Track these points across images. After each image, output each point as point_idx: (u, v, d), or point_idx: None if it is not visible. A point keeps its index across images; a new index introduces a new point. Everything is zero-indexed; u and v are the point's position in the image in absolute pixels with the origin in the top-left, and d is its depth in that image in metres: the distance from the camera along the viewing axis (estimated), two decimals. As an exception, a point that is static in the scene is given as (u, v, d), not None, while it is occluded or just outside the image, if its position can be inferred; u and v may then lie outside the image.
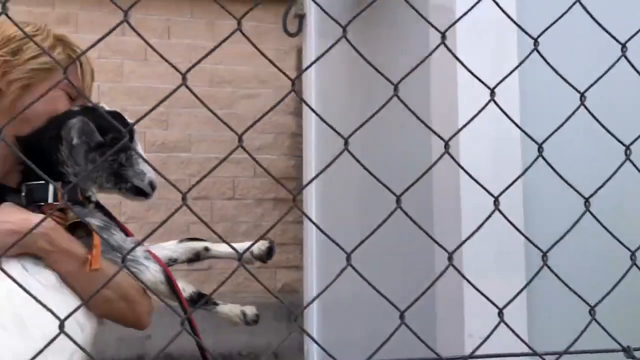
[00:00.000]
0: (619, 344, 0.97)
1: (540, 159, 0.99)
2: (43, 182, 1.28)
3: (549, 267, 0.97)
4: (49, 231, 1.25)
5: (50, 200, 1.30)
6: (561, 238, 1.00)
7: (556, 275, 0.97)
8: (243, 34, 0.77)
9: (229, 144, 4.15)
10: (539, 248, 0.98)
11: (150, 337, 3.98)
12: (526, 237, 1.05)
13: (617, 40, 1.06)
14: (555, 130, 1.01)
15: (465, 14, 1.01)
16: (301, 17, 2.68)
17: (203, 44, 4.20)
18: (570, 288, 0.98)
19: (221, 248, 1.48)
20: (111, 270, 1.26)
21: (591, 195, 1.03)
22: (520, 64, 1.04)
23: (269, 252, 1.45)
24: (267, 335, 3.62)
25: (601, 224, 1.04)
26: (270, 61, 0.78)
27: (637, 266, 1.04)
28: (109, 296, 1.31)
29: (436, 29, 0.93)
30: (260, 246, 1.45)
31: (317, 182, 2.47)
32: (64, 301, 1.23)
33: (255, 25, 4.28)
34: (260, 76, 4.62)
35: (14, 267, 1.19)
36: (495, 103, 0.96)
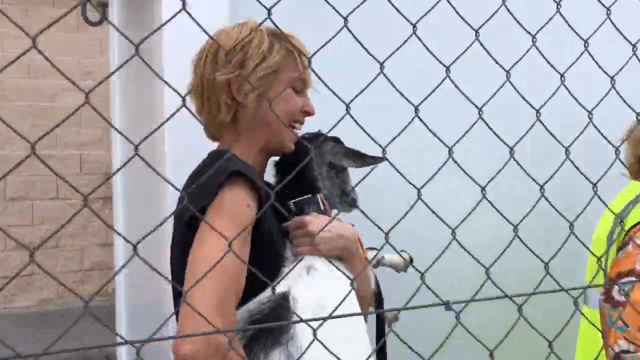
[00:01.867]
0: (440, 299, 1.00)
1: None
2: (310, 196, 1.41)
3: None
4: (358, 238, 1.39)
5: (322, 209, 1.42)
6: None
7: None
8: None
9: (48, 139, 4.32)
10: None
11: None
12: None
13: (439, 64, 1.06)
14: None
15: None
16: (104, 6, 2.38)
17: (16, 33, 4.28)
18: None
19: (393, 258, 1.71)
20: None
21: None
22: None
23: (411, 262, 1.70)
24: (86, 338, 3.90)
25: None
26: (64, 75, 0.74)
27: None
28: (371, 294, 1.49)
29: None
30: (408, 254, 1.72)
31: (125, 180, 2.40)
32: (356, 302, 1.31)
33: (76, 14, 3.90)
34: (84, 67, 4.12)
35: (324, 264, 1.33)
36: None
